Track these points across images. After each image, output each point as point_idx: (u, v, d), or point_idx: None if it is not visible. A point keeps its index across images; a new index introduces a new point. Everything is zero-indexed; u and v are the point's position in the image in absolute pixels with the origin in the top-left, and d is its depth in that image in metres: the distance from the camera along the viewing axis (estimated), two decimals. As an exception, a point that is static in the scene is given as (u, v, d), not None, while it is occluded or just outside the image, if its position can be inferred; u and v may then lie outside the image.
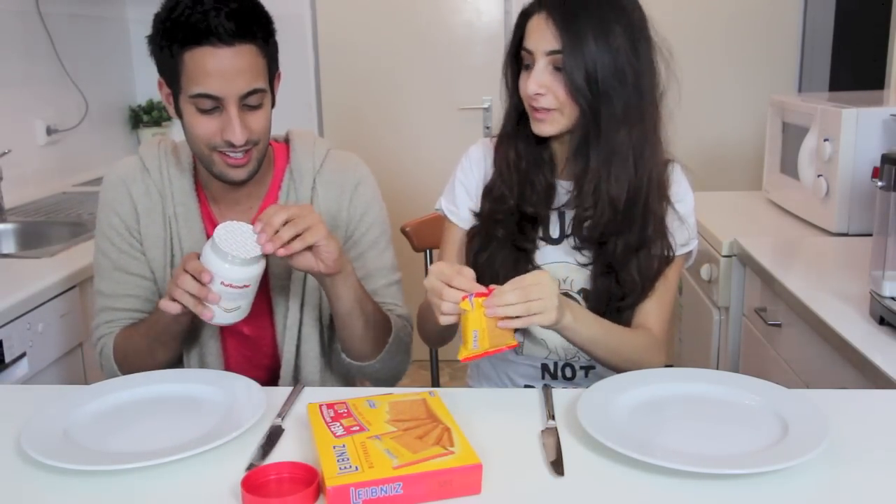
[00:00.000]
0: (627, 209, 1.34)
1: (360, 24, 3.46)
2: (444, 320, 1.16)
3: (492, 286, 1.16)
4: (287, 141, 1.51)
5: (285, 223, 1.21)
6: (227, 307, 1.23)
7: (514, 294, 1.14)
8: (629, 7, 1.31)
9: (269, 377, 1.49)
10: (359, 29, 3.47)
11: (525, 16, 1.33)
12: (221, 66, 1.25)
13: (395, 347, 1.44)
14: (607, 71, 1.27)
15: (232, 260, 1.19)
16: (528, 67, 1.32)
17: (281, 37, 1.34)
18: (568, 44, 1.27)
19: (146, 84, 3.44)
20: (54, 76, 2.89)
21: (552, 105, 1.31)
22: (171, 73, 1.30)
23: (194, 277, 1.20)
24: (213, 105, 1.28)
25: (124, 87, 3.41)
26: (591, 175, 1.33)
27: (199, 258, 1.22)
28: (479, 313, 1.14)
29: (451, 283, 1.15)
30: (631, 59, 1.28)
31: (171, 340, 1.38)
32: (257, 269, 1.22)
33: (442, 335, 1.44)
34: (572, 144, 1.36)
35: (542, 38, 1.29)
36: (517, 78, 1.36)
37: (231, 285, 1.21)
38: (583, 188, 1.35)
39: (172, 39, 1.26)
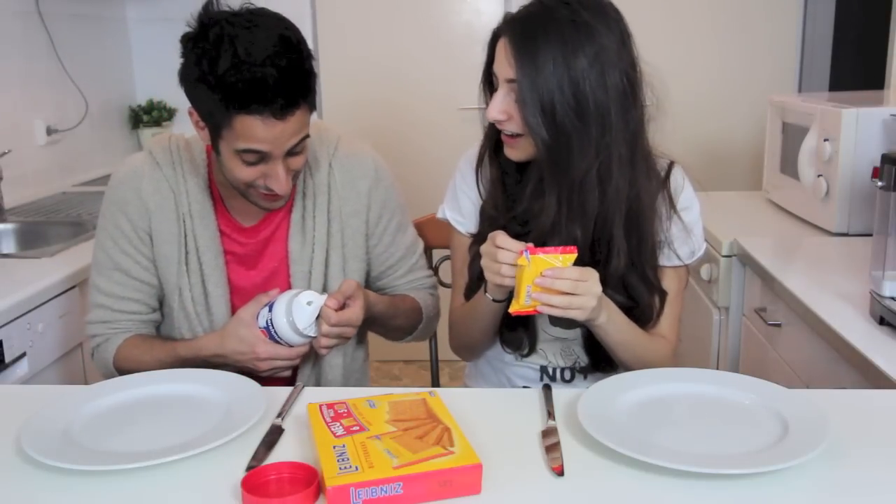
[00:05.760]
0: (595, 243, 1.30)
1: (360, 24, 3.47)
2: (500, 280, 1.19)
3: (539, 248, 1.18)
4: None
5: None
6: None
7: (568, 283, 1.16)
8: (599, 33, 1.22)
9: (288, 380, 1.50)
10: (359, 29, 3.47)
11: (494, 36, 1.30)
12: (272, 134, 1.25)
13: (426, 326, 1.59)
14: (566, 105, 1.21)
15: (304, 335, 1.34)
16: (496, 90, 1.29)
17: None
18: (523, 75, 1.22)
19: (146, 84, 3.44)
20: (54, 76, 2.89)
21: (517, 130, 1.28)
22: (212, 119, 1.27)
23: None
24: (259, 158, 1.28)
25: (124, 87, 3.41)
26: (546, 212, 1.29)
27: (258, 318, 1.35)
28: (536, 269, 1.16)
29: (495, 242, 1.19)
30: (596, 90, 1.22)
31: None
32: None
33: (484, 339, 1.44)
34: (533, 178, 1.31)
35: (502, 64, 1.26)
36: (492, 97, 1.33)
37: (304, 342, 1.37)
38: (540, 225, 1.30)
39: (221, 98, 1.22)
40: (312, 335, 1.33)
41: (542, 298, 1.16)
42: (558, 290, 1.16)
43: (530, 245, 1.18)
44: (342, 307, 1.33)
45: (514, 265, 1.18)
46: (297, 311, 1.31)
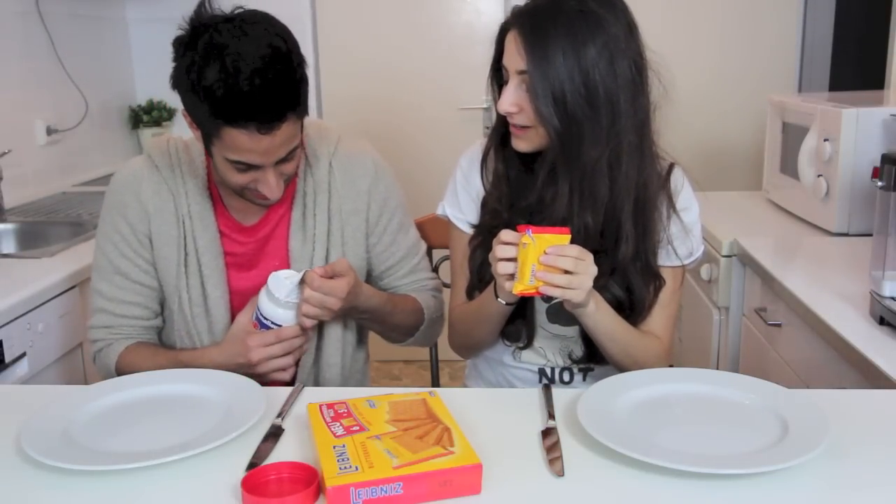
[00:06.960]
0: (603, 233, 1.31)
1: (359, 24, 3.47)
2: (502, 268, 1.18)
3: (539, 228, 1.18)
4: None
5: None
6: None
7: (570, 261, 1.16)
8: (607, 23, 1.24)
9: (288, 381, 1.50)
10: (359, 29, 3.47)
11: (503, 30, 1.31)
12: (259, 147, 1.24)
13: (428, 329, 1.56)
14: (577, 94, 1.23)
15: (287, 304, 1.34)
16: (506, 83, 1.30)
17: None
18: (535, 66, 1.23)
19: (146, 84, 3.44)
20: (54, 76, 2.89)
21: (526, 122, 1.29)
22: (204, 127, 1.27)
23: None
24: (248, 167, 1.28)
25: (124, 87, 3.41)
26: (559, 200, 1.30)
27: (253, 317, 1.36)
28: (540, 247, 1.16)
29: (501, 240, 1.19)
30: (606, 78, 1.23)
31: None
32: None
33: (489, 339, 1.44)
34: (545, 167, 1.32)
35: (513, 56, 1.27)
36: (500, 91, 1.34)
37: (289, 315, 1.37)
38: (553, 214, 1.30)
39: (208, 109, 1.21)
40: (295, 301, 1.33)
41: (546, 278, 1.16)
42: (559, 269, 1.16)
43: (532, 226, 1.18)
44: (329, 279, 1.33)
45: (517, 245, 1.18)
46: (275, 284, 1.32)
